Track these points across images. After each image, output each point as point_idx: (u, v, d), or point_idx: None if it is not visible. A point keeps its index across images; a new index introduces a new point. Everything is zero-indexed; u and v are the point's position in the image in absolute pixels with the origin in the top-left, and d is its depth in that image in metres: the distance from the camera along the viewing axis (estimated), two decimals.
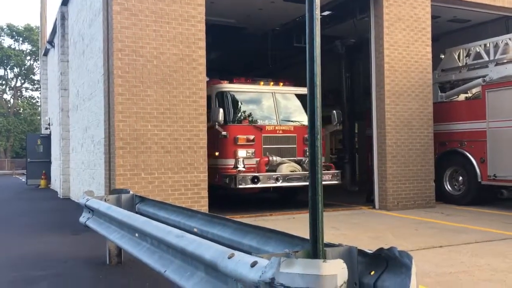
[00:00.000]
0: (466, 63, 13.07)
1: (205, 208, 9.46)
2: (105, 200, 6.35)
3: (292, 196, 13.09)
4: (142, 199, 6.58)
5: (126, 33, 9.21)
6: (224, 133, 10.85)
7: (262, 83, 11.84)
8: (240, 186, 10.28)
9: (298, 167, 11.04)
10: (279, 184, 10.61)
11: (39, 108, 41.60)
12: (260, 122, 11.35)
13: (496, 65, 12.16)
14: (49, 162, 22.50)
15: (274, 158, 10.94)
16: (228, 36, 15.81)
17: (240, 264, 2.78)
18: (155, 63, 9.41)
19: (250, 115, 11.48)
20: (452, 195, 12.41)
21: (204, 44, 9.81)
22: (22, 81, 62.06)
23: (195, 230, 4.77)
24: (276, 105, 11.58)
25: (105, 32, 9.86)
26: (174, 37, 9.54)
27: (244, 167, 10.56)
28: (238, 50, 17.68)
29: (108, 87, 9.67)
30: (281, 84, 12.08)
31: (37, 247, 7.90)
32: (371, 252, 2.77)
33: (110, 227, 5.70)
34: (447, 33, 15.63)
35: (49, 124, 22.63)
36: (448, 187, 12.55)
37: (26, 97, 63.00)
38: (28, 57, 60.56)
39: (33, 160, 22.74)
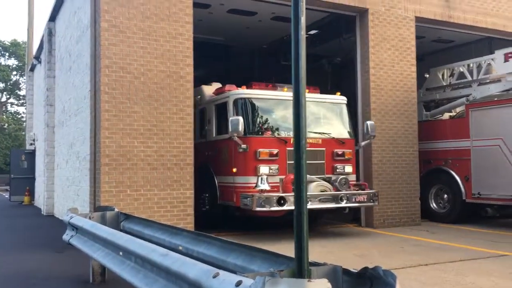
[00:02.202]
0: (450, 82, 13.29)
1: (191, 226, 9.39)
2: (89, 218, 6.28)
3: (314, 220, 11.45)
4: (127, 217, 6.51)
5: (114, 49, 9.22)
6: (243, 146, 9.43)
7: (286, 89, 10.33)
8: (263, 209, 8.78)
9: (329, 186, 9.61)
10: (308, 206, 9.53)
11: (24, 123, 41.19)
12: (283, 134, 9.86)
13: (479, 84, 12.39)
14: (33, 178, 22.20)
15: None
16: (216, 53, 15.91)
17: (224, 283, 2.76)
18: (143, 79, 9.42)
19: (272, 125, 10.03)
20: (437, 213, 12.50)
21: (192, 61, 9.85)
22: (8, 96, 61.49)
23: (180, 248, 4.73)
24: None
25: (93, 49, 9.86)
26: (162, 54, 9.57)
27: (268, 186, 9.07)
28: (226, 68, 17.80)
29: (94, 103, 9.64)
30: (307, 90, 11.35)
31: (19, 265, 7.75)
32: (356, 271, 2.77)
33: (94, 245, 5.62)
34: (432, 53, 15.92)
35: (34, 140, 22.40)
36: (433, 205, 12.64)
37: (11, 113, 62.35)
38: (14, 72, 60.14)
39: (17, 176, 22.41)
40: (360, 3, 11.71)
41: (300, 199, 2.85)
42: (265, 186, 8.85)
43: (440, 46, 15.76)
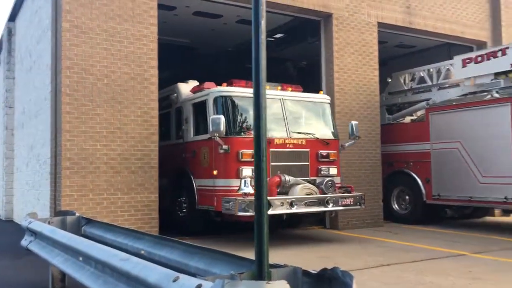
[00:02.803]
0: (411, 87, 13.65)
1: (156, 230, 9.29)
2: (48, 223, 6.12)
3: (297, 224, 11.41)
4: (89, 221, 6.39)
5: (75, 50, 9.03)
6: (225, 147, 8.93)
7: (268, 87, 10.59)
8: (246, 214, 8.23)
9: (315, 188, 9.22)
10: (294, 210, 8.64)
11: None
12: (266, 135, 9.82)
13: (438, 89, 12.78)
14: None
15: (287, 178, 9.00)
16: (182, 55, 15.81)
17: (184, 287, 2.75)
18: (106, 81, 9.26)
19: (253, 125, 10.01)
20: (399, 214, 12.78)
21: (157, 63, 9.75)
22: None
23: (143, 252, 4.67)
24: (286, 114, 9.68)
25: (53, 49, 9.63)
26: (126, 56, 9.44)
27: (252, 189, 8.24)
28: (191, 70, 17.70)
29: (55, 105, 9.41)
30: (290, 89, 10.28)
31: None
32: (315, 272, 2.81)
33: (53, 251, 5.48)
34: (394, 58, 16.30)
35: None
36: (395, 206, 12.92)
37: None
38: None
39: None
40: (325, 8, 11.87)
41: (260, 203, 2.86)
42: (248, 189, 8.21)
43: (402, 51, 16.16)
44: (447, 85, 12.62)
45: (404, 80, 13.91)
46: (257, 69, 2.93)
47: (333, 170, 9.93)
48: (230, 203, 8.50)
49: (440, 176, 11.72)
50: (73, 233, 5.61)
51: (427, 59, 14.37)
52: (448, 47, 15.09)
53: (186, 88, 10.86)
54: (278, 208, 8.49)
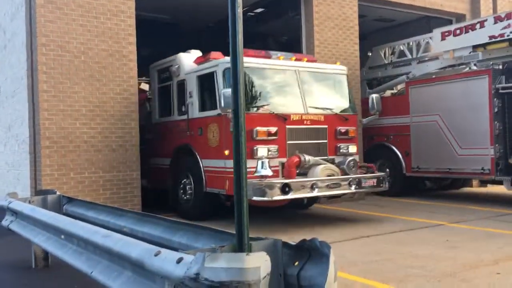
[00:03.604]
0: (391, 60, 13.71)
1: (138, 207, 9.30)
2: (29, 202, 6.08)
3: (311, 203, 10.41)
4: (70, 200, 6.37)
5: (51, 27, 8.82)
6: None
7: (282, 57, 9.00)
8: (263, 199, 7.51)
9: (336, 169, 8.43)
10: (315, 193, 7.97)
11: None
12: (282, 110, 8.44)
13: (418, 62, 12.87)
14: None
15: (307, 157, 8.16)
16: (162, 32, 15.55)
17: (166, 261, 2.79)
18: (83, 58, 9.10)
19: (270, 100, 8.51)
20: None
21: (135, 39, 9.60)
22: None
23: (125, 229, 4.69)
24: (302, 87, 8.77)
25: (28, 26, 9.39)
26: (103, 32, 9.26)
27: (270, 172, 7.67)
28: (172, 47, 17.47)
29: (32, 84, 9.24)
30: (305, 59, 9.41)
31: None
32: (295, 243, 2.87)
33: (34, 230, 5.47)
34: (374, 32, 16.29)
35: None
36: None
37: None
38: None
39: None
40: None
41: (240, 176, 2.89)
42: (267, 172, 7.48)
43: (381, 25, 16.15)
44: (426, 59, 12.71)
45: (384, 54, 13.96)
46: (234, 43, 2.92)
47: (353, 148, 9.17)
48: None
49: (420, 149, 11.90)
50: (54, 212, 5.59)
51: (407, 33, 14.41)
52: (427, 20, 15.13)
53: (189, 58, 9.81)
54: (299, 191, 7.77)
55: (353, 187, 8.37)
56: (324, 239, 2.75)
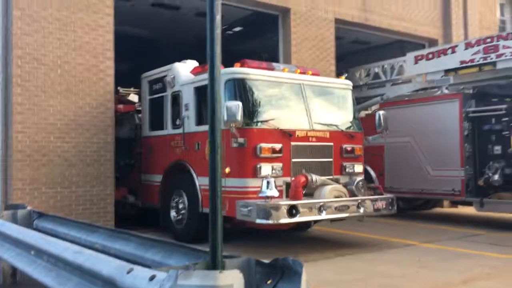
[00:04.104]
0: (366, 82, 13.98)
1: (111, 223, 9.18)
2: None
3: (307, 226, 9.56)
4: (41, 215, 6.25)
5: (27, 39, 8.75)
6: (241, 140, 7.48)
7: (286, 69, 8.54)
8: (268, 222, 6.91)
9: (344, 190, 7.90)
10: (323, 216, 7.41)
11: None
12: (286, 126, 7.89)
13: (392, 84, 13.16)
14: None
15: (314, 177, 7.61)
16: (141, 48, 15.55)
17: (138, 278, 2.78)
18: (59, 72, 9.03)
19: (274, 115, 7.96)
20: None
21: (113, 54, 9.59)
22: None
23: (97, 245, 4.63)
24: (307, 102, 8.28)
25: (4, 38, 9.28)
26: (80, 46, 9.23)
27: (277, 192, 7.06)
28: (151, 62, 17.47)
29: (6, 96, 9.09)
30: (310, 72, 8.89)
31: None
32: (268, 262, 2.90)
33: (3, 245, 5.33)
34: (350, 54, 16.62)
35: None
36: None
37: None
38: None
39: None
40: (283, 2, 11.99)
41: (215, 193, 2.91)
42: (272, 192, 6.92)
43: (358, 47, 16.50)
44: (400, 81, 13.01)
45: (360, 75, 14.23)
46: (212, 64, 2.96)
47: (358, 168, 8.66)
48: (249, 208, 7.12)
49: (393, 170, 12.10)
50: (25, 227, 5.48)
51: (381, 55, 14.75)
52: (401, 44, 15.54)
53: (185, 69, 9.27)
54: (306, 214, 7.18)
55: (361, 209, 7.84)
56: (298, 257, 2.78)
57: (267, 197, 6.95)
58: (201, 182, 8.21)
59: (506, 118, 9.72)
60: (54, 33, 9.00)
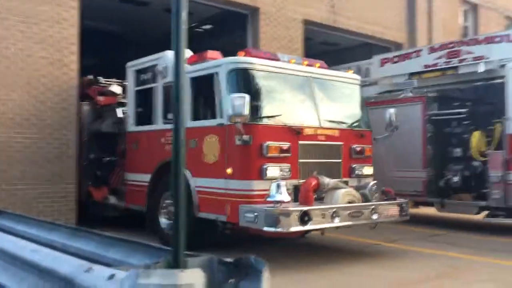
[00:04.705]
0: None
1: (73, 221, 8.97)
2: None
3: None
4: None
5: None
6: (245, 137, 6.66)
7: (293, 60, 7.72)
8: (276, 230, 6.11)
9: (357, 194, 7.12)
10: (336, 223, 6.59)
11: None
12: (293, 122, 7.08)
13: None
14: None
15: (326, 180, 6.84)
16: (110, 43, 15.27)
17: (97, 277, 2.72)
18: (21, 65, 8.76)
19: (281, 110, 7.14)
20: None
21: (77, 49, 9.38)
22: None
23: (57, 244, 4.52)
24: (315, 96, 7.54)
25: None
26: (44, 40, 8.98)
27: (288, 197, 6.26)
28: (118, 58, 17.17)
29: None
30: (317, 64, 8.12)
31: None
32: (231, 260, 2.89)
33: None
34: (319, 55, 16.75)
35: None
36: None
37: None
38: None
39: None
40: (252, 1, 12.00)
41: (177, 192, 2.88)
42: (283, 197, 6.12)
43: (326, 49, 16.68)
44: (366, 83, 13.21)
45: None
46: (178, 60, 2.94)
47: (368, 170, 7.99)
48: (255, 214, 6.32)
49: None
50: None
51: (350, 57, 14.93)
52: (369, 47, 15.80)
53: None
54: (319, 221, 6.40)
55: (375, 216, 7.07)
56: (251, 254, 2.77)
57: (277, 202, 6.13)
58: (198, 183, 7.37)
59: (467, 122, 10.00)
60: (17, 26, 8.74)
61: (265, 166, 6.70)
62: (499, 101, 9.33)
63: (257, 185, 6.68)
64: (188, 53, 8.26)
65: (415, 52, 11.48)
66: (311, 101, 7.48)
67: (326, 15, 13.56)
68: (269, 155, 6.74)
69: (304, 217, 6.23)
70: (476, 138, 9.63)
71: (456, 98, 10.56)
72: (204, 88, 7.45)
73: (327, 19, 13.59)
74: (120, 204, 9.37)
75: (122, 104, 9.96)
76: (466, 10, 19.13)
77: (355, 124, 8.06)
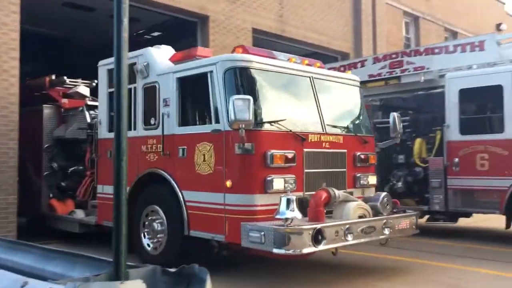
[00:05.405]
0: None
1: (13, 234, 8.57)
2: None
3: None
4: None
5: None
6: (247, 145, 5.89)
7: (293, 59, 7.02)
8: (286, 252, 5.31)
9: (368, 207, 6.40)
10: (350, 242, 5.82)
11: None
12: (296, 128, 6.34)
13: None
14: None
15: (336, 192, 6.06)
16: (54, 48, 14.80)
17: None
18: None
19: (284, 114, 6.36)
20: None
21: (18, 54, 9.01)
22: None
23: None
24: (318, 99, 6.83)
25: None
26: None
27: (299, 214, 5.42)
28: (65, 63, 16.67)
29: None
30: (318, 64, 7.46)
31: None
32: (174, 270, 2.86)
33: None
34: None
35: None
36: None
37: None
38: None
39: None
40: (201, 10, 12.00)
41: (119, 202, 2.83)
42: (295, 213, 5.32)
43: None
44: None
45: None
46: (119, 66, 2.89)
47: (372, 179, 7.37)
48: (262, 233, 5.46)
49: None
50: None
51: None
52: (316, 56, 16.11)
53: (162, 55, 7.47)
54: (332, 240, 5.62)
55: (386, 230, 6.34)
56: (194, 264, 2.77)
57: (286, 220, 5.35)
58: (189, 197, 6.52)
59: (409, 129, 10.40)
60: None
61: (269, 178, 5.94)
62: (439, 110, 9.79)
63: (261, 200, 5.91)
64: (168, 49, 7.77)
65: (360, 62, 11.86)
66: (314, 103, 6.78)
67: (275, 24, 13.76)
68: (274, 165, 5.98)
69: (318, 236, 5.46)
70: (417, 145, 10.04)
71: (399, 106, 10.96)
72: (194, 89, 6.75)
73: (276, 28, 13.79)
74: (89, 219, 8.41)
75: (91, 107, 9.19)
76: (408, 22, 19.97)
77: (357, 130, 7.42)
